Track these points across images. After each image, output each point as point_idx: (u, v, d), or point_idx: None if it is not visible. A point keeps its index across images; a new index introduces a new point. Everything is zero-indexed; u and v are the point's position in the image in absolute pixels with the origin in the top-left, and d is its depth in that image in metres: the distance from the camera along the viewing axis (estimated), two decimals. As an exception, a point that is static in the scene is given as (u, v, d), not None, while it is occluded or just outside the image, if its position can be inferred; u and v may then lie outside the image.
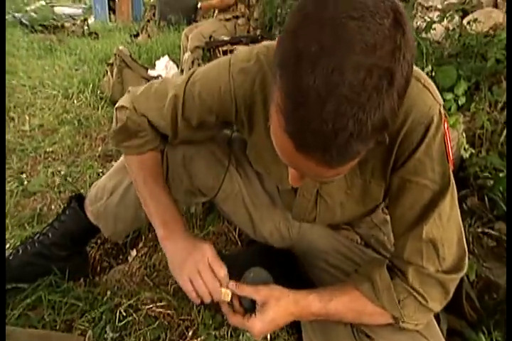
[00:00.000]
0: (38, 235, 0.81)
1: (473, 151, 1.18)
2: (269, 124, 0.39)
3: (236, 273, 0.80)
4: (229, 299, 0.61)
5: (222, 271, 0.61)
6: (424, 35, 1.40)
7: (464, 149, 1.18)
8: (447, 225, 0.53)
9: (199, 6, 3.07)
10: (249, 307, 0.61)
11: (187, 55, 2.51)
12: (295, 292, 0.60)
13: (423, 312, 0.56)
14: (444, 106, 0.53)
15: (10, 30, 3.91)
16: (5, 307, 0.46)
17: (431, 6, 1.61)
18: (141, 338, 0.70)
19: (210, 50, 2.50)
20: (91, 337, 0.66)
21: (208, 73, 0.60)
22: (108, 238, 0.86)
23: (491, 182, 1.07)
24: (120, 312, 0.74)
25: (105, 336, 0.70)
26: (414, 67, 0.51)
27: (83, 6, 8.72)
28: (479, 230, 1.09)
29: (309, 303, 0.59)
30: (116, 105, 0.69)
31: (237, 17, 2.78)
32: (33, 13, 5.05)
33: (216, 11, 2.92)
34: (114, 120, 0.69)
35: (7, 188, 1.17)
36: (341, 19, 0.30)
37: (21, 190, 1.19)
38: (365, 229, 0.82)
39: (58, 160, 1.43)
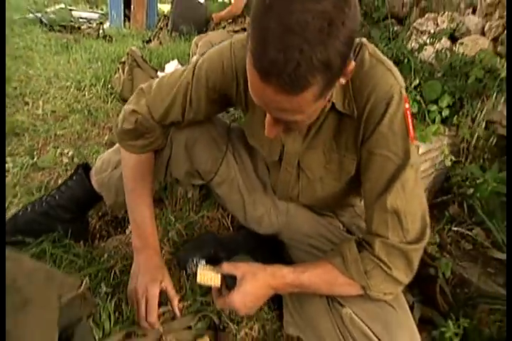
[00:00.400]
0: (45, 196, 0.89)
1: (454, 159, 1.29)
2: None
3: (226, 254, 0.88)
4: (219, 283, 0.66)
5: (152, 317, 0.66)
6: (416, 54, 1.55)
7: (449, 160, 1.28)
8: (410, 198, 0.59)
9: (213, 16, 3.23)
10: (232, 286, 0.65)
11: (195, 57, 2.67)
12: (272, 266, 0.66)
13: (389, 282, 0.62)
14: (406, 90, 0.61)
15: (30, 27, 4.09)
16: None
17: (425, 30, 1.78)
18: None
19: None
20: (87, 282, 0.72)
21: (212, 55, 0.69)
22: (109, 208, 0.93)
23: (471, 190, 1.15)
24: (115, 273, 0.81)
25: (99, 290, 0.75)
26: (381, 55, 0.61)
27: (100, 11, 9.10)
28: (458, 234, 1.18)
29: (284, 275, 0.64)
30: (127, 107, 0.74)
31: (244, 29, 2.97)
32: (52, 15, 5.29)
33: (226, 24, 3.14)
34: (121, 118, 0.75)
35: (19, 161, 1.25)
36: None
37: (31, 164, 1.27)
38: (347, 218, 0.89)
39: (67, 143, 1.51)
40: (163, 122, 0.74)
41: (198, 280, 0.68)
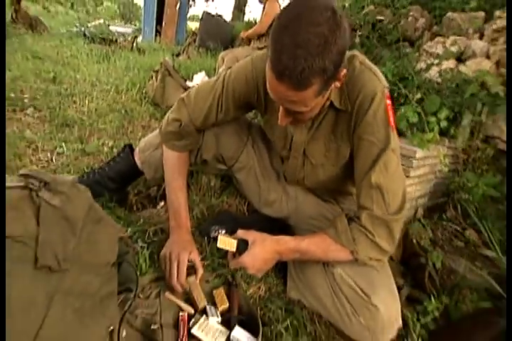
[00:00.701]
0: (98, 169, 1.08)
1: (453, 167, 1.41)
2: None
3: (240, 229, 1.03)
4: (235, 248, 0.82)
5: (182, 278, 0.79)
6: (423, 73, 1.71)
7: (446, 166, 1.41)
8: (392, 177, 0.74)
9: (241, 34, 3.53)
10: (244, 249, 0.81)
11: (222, 69, 2.93)
12: (277, 236, 0.83)
13: (374, 248, 0.76)
14: (390, 93, 0.76)
15: (75, 39, 4.57)
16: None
17: (433, 52, 1.94)
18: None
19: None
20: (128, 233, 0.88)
21: (237, 69, 0.87)
22: (148, 181, 1.11)
23: (467, 195, 1.28)
24: (148, 233, 0.98)
25: (136, 245, 0.92)
26: (369, 63, 0.79)
27: (133, 26, 9.84)
28: (451, 233, 1.29)
29: (287, 241, 0.81)
30: (171, 115, 0.93)
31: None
32: (93, 29, 5.84)
33: (253, 42, 3.43)
34: (165, 123, 0.94)
35: (70, 147, 1.48)
36: (300, 11, 0.58)
37: (80, 149, 1.50)
38: (347, 205, 1.05)
39: (107, 136, 1.74)
40: (202, 127, 0.93)
41: (218, 244, 0.85)
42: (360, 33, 3.00)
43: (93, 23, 7.21)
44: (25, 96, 1.99)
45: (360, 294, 0.75)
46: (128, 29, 8.30)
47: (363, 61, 0.76)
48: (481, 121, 1.37)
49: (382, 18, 2.95)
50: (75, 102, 2.05)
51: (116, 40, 5.13)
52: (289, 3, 0.61)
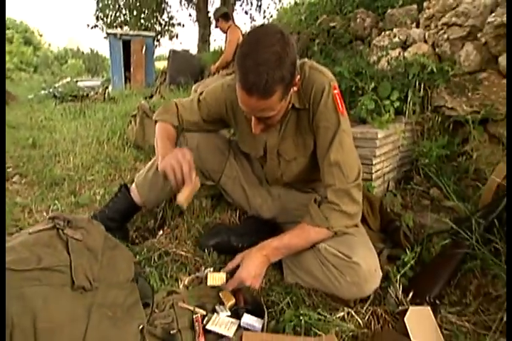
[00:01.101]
0: (98, 212, 1.27)
1: (412, 140, 1.65)
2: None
3: (236, 238, 1.21)
4: (225, 280, 0.96)
5: (192, 165, 0.91)
6: (376, 65, 1.99)
7: (405, 140, 1.68)
8: (347, 153, 0.93)
9: (211, 70, 3.87)
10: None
11: (190, 97, 3.23)
12: (260, 243, 0.98)
13: (343, 217, 0.93)
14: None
15: (46, 102, 4.95)
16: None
17: (382, 45, 2.24)
18: (170, 271, 1.08)
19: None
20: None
21: (210, 89, 1.13)
22: (143, 204, 1.24)
23: (426, 160, 1.53)
24: (154, 260, 1.14)
25: (144, 270, 1.07)
26: (317, 65, 1.00)
27: (101, 78, 10.57)
28: (418, 195, 1.54)
29: (269, 243, 0.98)
30: (156, 117, 1.17)
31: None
32: (61, 88, 6.35)
33: (220, 70, 3.80)
34: (157, 112, 1.18)
35: (64, 202, 1.67)
36: (256, 38, 0.79)
37: (74, 202, 1.68)
38: (323, 192, 1.23)
39: (97, 185, 1.94)
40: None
41: (208, 282, 0.97)
42: (317, 41, 3.37)
43: (60, 83, 7.80)
44: (9, 165, 2.20)
45: (343, 257, 0.89)
46: (96, 82, 8.94)
47: (311, 65, 0.97)
48: (428, 95, 1.63)
49: (334, 24, 3.33)
50: (59, 161, 2.25)
51: (87, 95, 5.56)
52: (248, 33, 0.83)
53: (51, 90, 6.00)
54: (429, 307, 0.84)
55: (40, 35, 30.06)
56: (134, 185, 1.26)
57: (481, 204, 1.19)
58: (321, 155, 0.98)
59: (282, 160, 1.10)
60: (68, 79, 8.46)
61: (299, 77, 0.88)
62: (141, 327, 0.76)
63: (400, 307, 0.87)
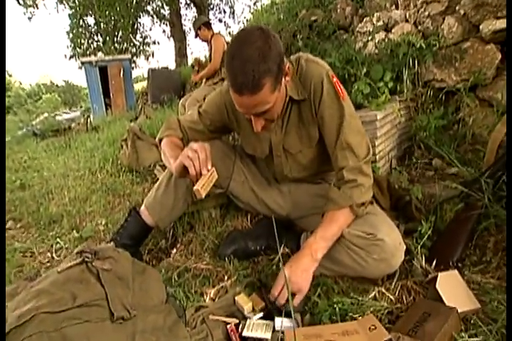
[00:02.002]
0: (110, 240, 1.36)
1: (408, 117, 1.79)
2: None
3: (253, 242, 1.31)
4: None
5: (208, 147, 1.01)
6: (362, 51, 2.15)
7: (401, 117, 1.83)
8: (356, 134, 1.04)
9: (194, 79, 3.99)
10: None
11: (189, 112, 3.36)
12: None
13: (362, 191, 1.03)
14: (342, 77, 1.09)
15: (26, 142, 5.13)
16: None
17: (366, 31, 2.40)
18: (193, 287, 1.16)
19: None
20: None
21: (209, 99, 1.25)
22: (155, 223, 1.32)
23: (424, 133, 1.68)
24: (174, 279, 1.23)
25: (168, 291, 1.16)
26: (312, 57, 1.12)
27: (80, 108, 10.90)
28: (422, 168, 1.70)
29: (305, 243, 1.03)
30: (159, 136, 1.29)
31: (223, 79, 3.69)
32: (40, 125, 6.58)
33: (204, 80, 3.96)
34: (160, 132, 1.30)
35: (67, 238, 1.77)
36: (238, 40, 0.91)
37: (77, 237, 1.77)
38: (333, 180, 1.33)
39: (98, 216, 2.04)
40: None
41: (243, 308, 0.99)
42: (301, 37, 3.56)
43: (38, 120, 8.06)
44: (1, 210, 2.35)
45: (367, 237, 0.98)
46: (76, 113, 9.21)
47: (307, 58, 1.08)
48: (417, 72, 1.79)
49: (315, 17, 3.54)
50: (53, 198, 2.35)
51: (69, 127, 5.78)
52: (231, 40, 0.95)
53: (29, 128, 6.21)
54: (456, 271, 0.92)
55: (10, 76, 31.18)
56: (143, 207, 1.35)
57: (486, 165, 1.30)
58: (331, 141, 1.07)
59: (289, 155, 1.19)
60: (46, 114, 8.74)
61: (288, 65, 0.98)
62: None
63: (429, 276, 0.96)
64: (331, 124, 1.06)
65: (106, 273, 0.85)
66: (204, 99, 3.65)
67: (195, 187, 0.94)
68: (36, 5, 10.75)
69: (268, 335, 0.89)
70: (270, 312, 0.96)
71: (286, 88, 1.06)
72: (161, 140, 1.28)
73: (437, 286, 0.89)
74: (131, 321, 0.79)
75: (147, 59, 13.34)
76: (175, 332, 0.85)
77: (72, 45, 11.85)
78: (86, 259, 0.87)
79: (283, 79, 0.97)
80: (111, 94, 7.53)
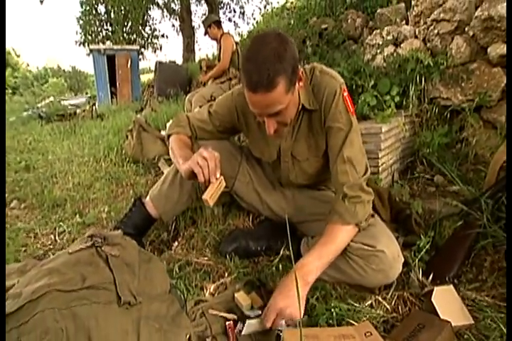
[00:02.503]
0: (114, 228, 1.35)
1: (413, 132, 1.79)
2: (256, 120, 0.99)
3: (254, 242, 1.30)
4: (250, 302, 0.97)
5: (218, 155, 1.00)
6: (371, 63, 2.14)
7: (406, 132, 1.84)
8: (357, 151, 1.03)
9: (202, 80, 3.94)
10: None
11: (196, 109, 3.33)
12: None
13: (364, 206, 1.01)
14: (349, 87, 1.10)
15: (31, 124, 5.04)
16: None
17: (375, 44, 2.40)
18: (194, 280, 1.16)
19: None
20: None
21: (220, 100, 1.24)
22: (160, 216, 1.32)
23: (428, 150, 1.69)
24: (175, 271, 1.21)
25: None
26: (326, 69, 1.11)
27: (85, 95, 10.74)
28: (424, 183, 1.71)
29: (298, 268, 0.92)
30: (168, 132, 1.26)
31: (230, 79, 3.67)
32: (46, 108, 6.48)
33: (211, 79, 3.92)
34: (169, 127, 1.28)
35: (70, 223, 1.75)
36: (255, 42, 0.90)
37: (80, 222, 1.76)
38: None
39: (101, 203, 2.01)
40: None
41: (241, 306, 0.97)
42: (310, 43, 3.55)
43: (43, 103, 7.94)
44: (5, 190, 2.31)
45: (367, 248, 0.97)
46: (81, 99, 9.08)
47: (321, 69, 1.07)
48: (424, 88, 1.79)
49: (326, 26, 3.52)
50: (57, 182, 2.31)
51: (74, 113, 5.71)
52: (250, 41, 0.94)
53: (35, 111, 6.12)
54: (452, 286, 0.93)
55: (18, 56, 30.57)
56: (148, 198, 1.34)
57: (486, 186, 1.30)
58: (334, 153, 1.06)
59: (296, 162, 1.19)
60: (51, 98, 8.60)
61: (302, 70, 0.98)
62: (188, 336, 0.83)
63: (425, 289, 0.96)
64: (337, 137, 1.05)
65: (114, 258, 0.85)
66: (211, 96, 3.65)
67: (203, 196, 0.94)
68: (49, -11, 10.51)
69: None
70: None
71: (299, 95, 1.05)
72: (169, 135, 1.27)
73: (433, 299, 0.89)
74: (136, 307, 0.79)
75: (155, 51, 13.21)
76: (177, 322, 0.85)
77: (82, 31, 11.66)
78: (96, 244, 0.87)
79: (297, 83, 0.96)
80: (117, 84, 7.45)
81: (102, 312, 0.72)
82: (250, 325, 0.91)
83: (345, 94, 1.06)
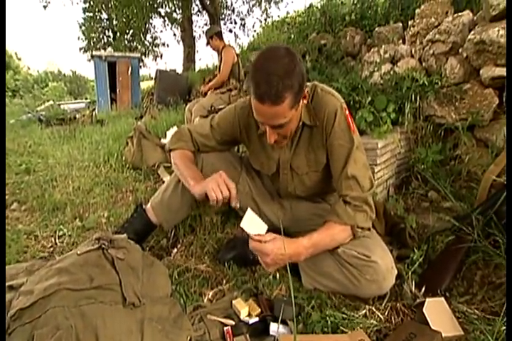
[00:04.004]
0: (114, 234, 1.36)
1: (408, 148, 1.85)
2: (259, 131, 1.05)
3: (252, 252, 1.33)
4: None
5: (232, 184, 1.09)
6: (368, 80, 2.21)
7: (401, 148, 1.89)
8: (361, 167, 1.06)
9: (201, 91, 3.99)
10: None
11: (197, 119, 3.37)
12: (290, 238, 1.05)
13: (365, 217, 1.04)
14: (347, 103, 1.11)
15: (31, 127, 5.04)
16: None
17: (372, 61, 2.48)
18: (193, 286, 1.18)
19: (212, 116, 3.35)
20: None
21: (222, 113, 1.27)
22: (161, 224, 1.34)
23: (422, 166, 1.74)
24: (175, 277, 1.23)
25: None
26: (327, 88, 1.16)
27: (85, 100, 10.77)
28: (418, 199, 1.76)
29: (301, 240, 1.02)
30: (171, 146, 1.29)
31: (230, 90, 3.73)
32: (45, 112, 6.47)
33: (211, 90, 3.98)
34: (170, 141, 1.31)
35: (70, 226, 1.76)
36: (265, 55, 0.94)
37: (80, 226, 1.77)
38: (333, 201, 1.35)
39: (101, 208, 2.03)
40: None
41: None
42: (310, 58, 3.64)
43: (43, 106, 7.93)
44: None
45: (362, 257, 1.00)
46: (81, 104, 9.09)
47: (322, 88, 1.12)
48: (419, 106, 1.86)
49: (325, 42, 3.62)
50: (57, 186, 2.32)
51: (74, 118, 5.71)
52: (259, 53, 0.98)
53: (35, 114, 6.11)
54: (443, 298, 0.96)
55: (19, 59, 30.62)
56: (149, 205, 1.36)
57: (478, 203, 1.35)
58: (337, 169, 1.09)
59: (295, 175, 1.22)
60: (51, 102, 8.61)
61: (307, 89, 1.01)
62: (189, 338, 0.85)
63: (417, 300, 0.99)
64: (340, 154, 1.09)
65: (120, 261, 0.89)
66: (211, 106, 3.69)
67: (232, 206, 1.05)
68: (52, -6, 10.63)
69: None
70: (266, 318, 0.98)
71: (301, 111, 1.08)
72: (171, 150, 1.30)
73: (425, 310, 0.92)
74: (140, 308, 0.82)
75: (155, 59, 13.33)
76: (179, 324, 0.88)
77: (84, 37, 11.76)
78: (103, 246, 0.91)
79: (301, 100, 1.00)
80: (117, 90, 7.49)
81: (108, 312, 0.76)
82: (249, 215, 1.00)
83: (347, 112, 1.10)
